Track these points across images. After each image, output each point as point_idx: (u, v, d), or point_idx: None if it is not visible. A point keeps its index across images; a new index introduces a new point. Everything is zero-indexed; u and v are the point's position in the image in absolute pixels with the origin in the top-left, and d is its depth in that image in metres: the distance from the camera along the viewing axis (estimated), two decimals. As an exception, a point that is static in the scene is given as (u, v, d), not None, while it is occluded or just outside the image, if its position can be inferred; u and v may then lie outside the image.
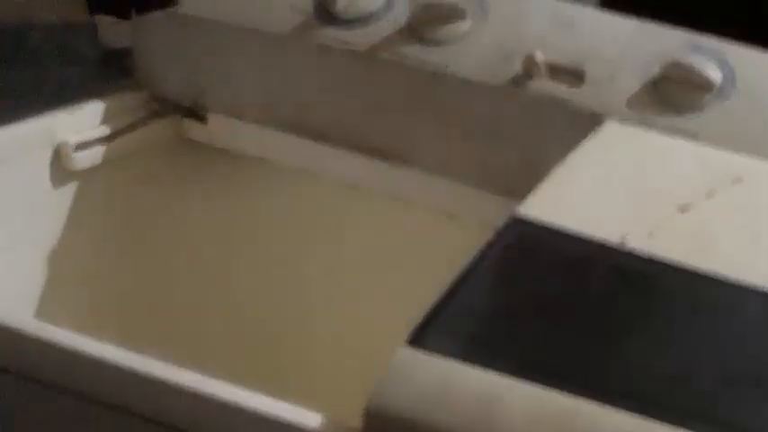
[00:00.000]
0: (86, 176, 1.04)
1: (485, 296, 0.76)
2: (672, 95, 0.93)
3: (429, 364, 0.68)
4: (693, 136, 0.91)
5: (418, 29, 0.99)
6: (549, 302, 0.74)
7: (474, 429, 0.67)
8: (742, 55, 0.94)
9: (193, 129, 1.10)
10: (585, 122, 0.92)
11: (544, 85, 0.95)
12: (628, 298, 0.75)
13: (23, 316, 0.94)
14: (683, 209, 0.82)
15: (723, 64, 0.93)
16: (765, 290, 0.75)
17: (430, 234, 1.08)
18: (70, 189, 1.04)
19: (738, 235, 0.81)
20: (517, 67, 0.96)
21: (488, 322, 0.73)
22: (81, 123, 1.04)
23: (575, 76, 0.95)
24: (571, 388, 0.67)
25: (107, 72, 1.16)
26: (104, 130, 1.05)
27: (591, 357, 0.70)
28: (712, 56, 0.94)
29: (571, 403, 0.66)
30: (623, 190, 0.85)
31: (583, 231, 0.79)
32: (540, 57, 0.95)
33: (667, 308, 0.74)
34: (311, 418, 0.71)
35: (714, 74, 0.93)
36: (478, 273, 0.76)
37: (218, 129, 1.08)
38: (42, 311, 1.02)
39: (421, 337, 0.70)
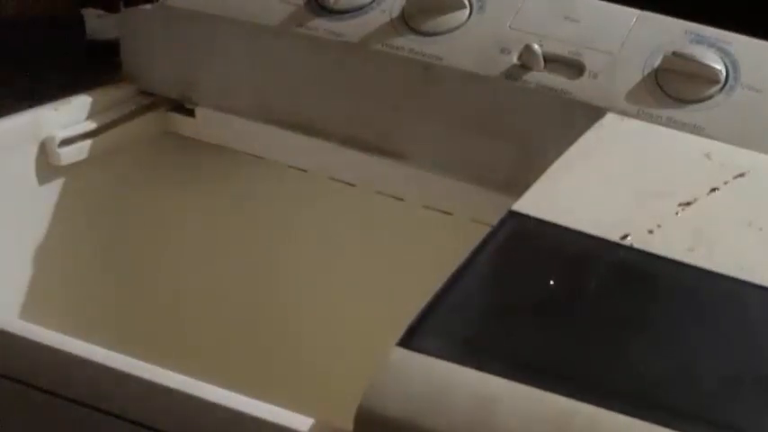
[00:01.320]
0: (72, 172, 1.03)
1: (480, 295, 0.75)
2: (673, 87, 0.92)
3: (422, 365, 0.67)
4: (696, 129, 0.90)
5: (412, 19, 0.98)
6: (547, 301, 0.73)
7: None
8: (746, 46, 0.93)
9: (181, 123, 1.09)
10: (585, 115, 0.91)
11: (542, 78, 0.94)
12: (627, 296, 0.74)
13: (7, 315, 0.93)
14: (686, 204, 0.81)
15: (726, 55, 0.92)
16: (768, 287, 0.74)
17: (425, 231, 1.08)
18: (56, 185, 1.03)
19: (742, 232, 0.80)
20: (514, 58, 0.95)
21: (484, 322, 0.72)
22: (67, 118, 1.03)
23: (573, 67, 0.94)
24: (569, 389, 0.65)
25: (94, 66, 1.16)
26: (91, 125, 1.04)
27: (589, 357, 0.69)
28: (715, 47, 0.93)
29: (569, 404, 0.65)
30: (624, 185, 0.83)
31: (581, 228, 0.78)
32: (537, 48, 0.94)
33: (668, 306, 0.73)
34: (301, 421, 0.70)
35: (717, 65, 0.91)
36: (474, 271, 0.75)
37: (207, 123, 1.07)
38: (27, 310, 1.01)
39: (414, 338, 0.68)
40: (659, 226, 0.78)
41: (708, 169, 0.86)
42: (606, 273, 0.75)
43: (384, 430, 0.66)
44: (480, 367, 0.67)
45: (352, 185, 1.06)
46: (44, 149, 1.01)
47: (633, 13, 0.96)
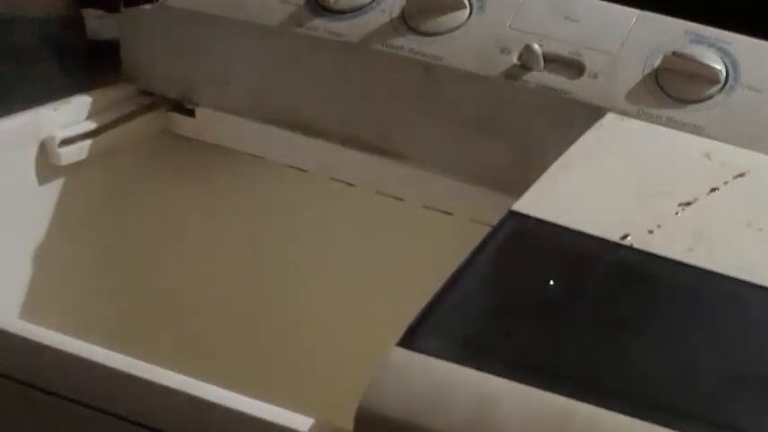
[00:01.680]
0: (72, 172, 1.03)
1: (480, 295, 0.74)
2: (673, 87, 0.92)
3: (423, 365, 0.67)
4: (696, 129, 0.90)
5: (412, 20, 0.98)
6: (547, 301, 0.73)
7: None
8: (746, 46, 0.93)
9: (181, 123, 1.08)
10: (585, 115, 0.91)
11: (542, 78, 0.94)
12: (627, 296, 0.74)
13: (7, 315, 0.93)
14: (686, 204, 0.81)
15: (726, 55, 0.92)
16: (768, 287, 0.74)
17: (424, 231, 1.08)
18: (56, 185, 1.03)
19: (742, 232, 0.80)
20: (514, 58, 0.95)
21: (484, 322, 0.72)
22: (67, 118, 1.03)
23: (573, 67, 0.94)
24: (569, 388, 0.65)
25: (94, 66, 1.16)
26: (91, 125, 1.04)
27: (589, 357, 0.69)
28: (715, 47, 0.93)
29: (569, 404, 0.65)
30: (624, 185, 0.83)
31: (581, 228, 0.78)
32: (537, 48, 0.94)
33: (668, 306, 0.73)
34: (301, 421, 0.70)
35: (717, 65, 0.91)
36: (473, 271, 0.74)
37: (207, 123, 1.07)
38: (27, 310, 1.01)
39: (414, 338, 0.68)
40: (659, 226, 0.78)
41: (708, 169, 0.86)
42: (606, 273, 0.75)
43: (384, 430, 0.66)
44: (480, 367, 0.67)
45: (352, 185, 1.06)
46: (44, 149, 1.01)
47: (633, 13, 0.96)
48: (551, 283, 0.74)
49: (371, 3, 0.99)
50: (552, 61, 0.94)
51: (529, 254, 0.78)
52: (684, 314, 0.72)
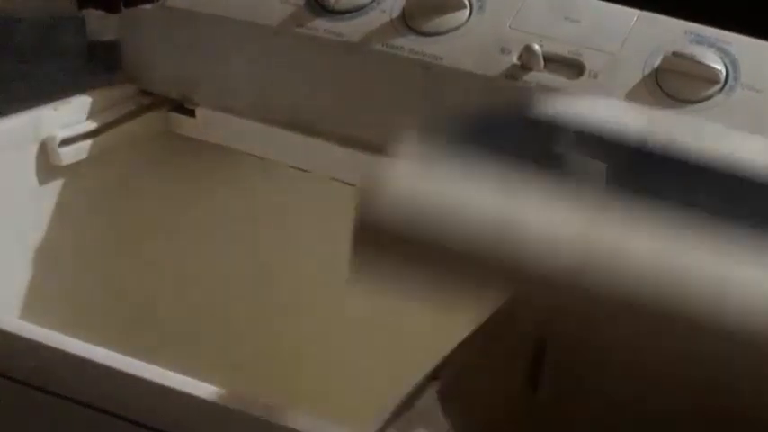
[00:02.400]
0: (73, 172, 1.03)
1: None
2: (673, 87, 0.92)
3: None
4: (696, 129, 0.90)
5: (413, 20, 0.98)
6: None
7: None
8: (746, 46, 0.93)
9: (182, 123, 1.08)
10: (585, 116, 0.91)
11: (542, 78, 0.94)
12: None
13: (7, 315, 0.93)
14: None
15: (726, 55, 0.92)
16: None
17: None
18: (56, 185, 1.03)
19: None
20: (514, 58, 0.95)
21: None
22: (67, 118, 1.03)
23: (573, 67, 0.94)
24: None
25: (94, 66, 1.16)
26: (91, 125, 1.04)
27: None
28: (715, 47, 0.92)
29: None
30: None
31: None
32: (537, 48, 0.94)
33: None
34: (302, 421, 0.69)
35: (717, 65, 0.91)
36: None
37: (207, 123, 1.07)
38: (27, 310, 1.01)
39: None
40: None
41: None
42: None
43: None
44: None
45: (353, 185, 1.06)
46: (44, 149, 1.01)
47: (633, 13, 0.96)
48: None
49: (371, 3, 0.99)
50: (552, 61, 0.94)
51: None
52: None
